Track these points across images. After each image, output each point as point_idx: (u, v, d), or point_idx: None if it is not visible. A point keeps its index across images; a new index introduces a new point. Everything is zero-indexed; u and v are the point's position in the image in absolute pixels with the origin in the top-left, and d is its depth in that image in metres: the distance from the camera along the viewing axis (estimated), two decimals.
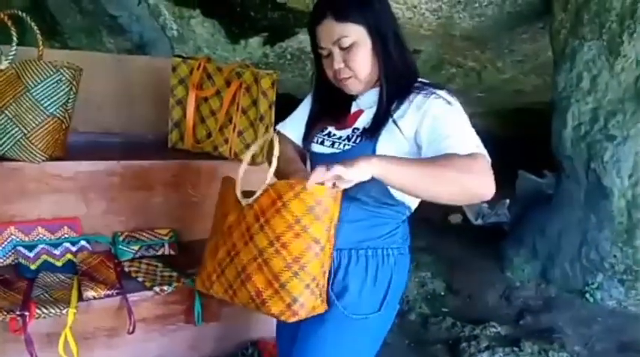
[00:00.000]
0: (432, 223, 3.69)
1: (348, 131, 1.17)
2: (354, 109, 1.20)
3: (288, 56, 3.57)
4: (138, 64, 2.16)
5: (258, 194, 1.05)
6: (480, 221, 4.16)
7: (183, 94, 1.87)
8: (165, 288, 1.44)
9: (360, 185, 0.98)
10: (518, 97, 4.63)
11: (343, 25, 1.09)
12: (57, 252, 1.51)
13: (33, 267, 1.45)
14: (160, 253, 1.64)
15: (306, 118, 1.28)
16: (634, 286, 2.58)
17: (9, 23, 1.46)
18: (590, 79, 2.61)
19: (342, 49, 1.11)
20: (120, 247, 1.59)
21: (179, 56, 2.29)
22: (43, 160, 1.47)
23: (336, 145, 1.17)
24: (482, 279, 2.93)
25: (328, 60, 1.14)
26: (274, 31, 3.29)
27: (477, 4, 3.01)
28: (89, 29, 3.42)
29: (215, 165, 1.77)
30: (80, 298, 1.33)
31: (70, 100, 1.48)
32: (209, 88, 1.82)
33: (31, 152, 1.44)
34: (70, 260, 1.51)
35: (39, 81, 1.42)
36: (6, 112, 1.43)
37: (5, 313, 1.19)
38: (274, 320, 1.31)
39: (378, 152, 1.09)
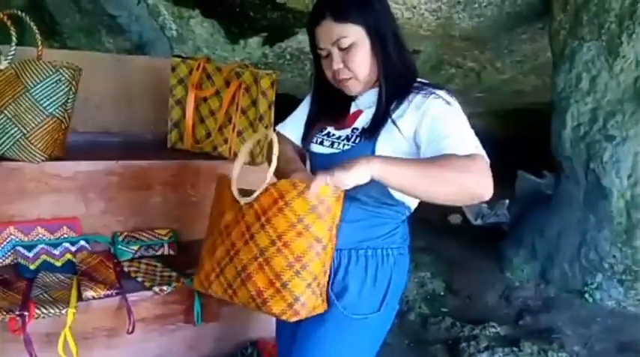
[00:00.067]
0: (432, 223, 3.69)
1: (348, 131, 1.17)
2: (353, 109, 1.20)
3: (288, 56, 3.57)
4: (137, 64, 2.16)
5: (257, 193, 1.05)
6: (479, 221, 4.17)
7: (183, 94, 1.86)
8: (164, 288, 1.44)
9: (360, 185, 0.98)
10: (518, 98, 4.64)
11: (342, 25, 1.09)
12: (56, 252, 1.50)
13: (32, 267, 1.45)
14: (159, 253, 1.64)
15: (305, 118, 1.28)
16: (633, 286, 2.58)
17: (8, 23, 1.46)
18: (589, 80, 2.62)
19: (341, 49, 1.11)
20: (119, 247, 1.59)
21: (178, 56, 2.28)
22: (43, 160, 1.47)
23: (336, 145, 1.17)
24: (481, 279, 2.93)
25: (327, 60, 1.14)
26: (273, 31, 3.29)
27: (476, 5, 3.01)
28: (88, 29, 3.41)
29: (214, 165, 1.77)
30: (79, 298, 1.33)
31: (69, 100, 1.48)
32: (208, 88, 1.82)
33: (31, 152, 1.44)
34: (69, 260, 1.51)
35: (38, 81, 1.42)
36: (5, 112, 1.43)
37: (4, 313, 1.19)
38: (274, 320, 1.31)
39: (377, 152, 1.09)
